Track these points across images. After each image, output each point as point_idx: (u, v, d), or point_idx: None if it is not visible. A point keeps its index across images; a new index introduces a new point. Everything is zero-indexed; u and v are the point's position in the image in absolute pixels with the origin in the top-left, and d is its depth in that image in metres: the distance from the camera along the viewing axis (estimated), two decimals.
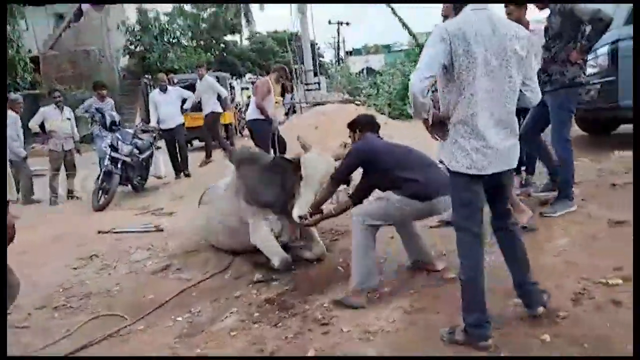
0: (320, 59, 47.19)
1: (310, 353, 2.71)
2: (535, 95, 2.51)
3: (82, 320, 3.51)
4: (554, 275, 3.02)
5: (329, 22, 39.56)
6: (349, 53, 47.51)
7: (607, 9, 3.90)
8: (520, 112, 2.88)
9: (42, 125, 7.94)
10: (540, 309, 2.57)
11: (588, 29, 3.91)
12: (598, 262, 3.13)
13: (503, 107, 2.37)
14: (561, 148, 4.07)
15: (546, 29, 4.14)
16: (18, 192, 7.34)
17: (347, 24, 41.76)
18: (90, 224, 5.95)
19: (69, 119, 8.13)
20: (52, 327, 3.44)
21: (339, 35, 41.66)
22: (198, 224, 4.87)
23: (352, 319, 3.01)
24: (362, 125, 3.58)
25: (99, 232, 5.55)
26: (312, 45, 21.47)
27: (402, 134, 8.82)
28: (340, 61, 38.86)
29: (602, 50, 5.82)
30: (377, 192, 3.47)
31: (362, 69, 32.65)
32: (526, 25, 4.02)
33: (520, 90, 2.44)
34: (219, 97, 9.24)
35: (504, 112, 2.37)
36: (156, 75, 9.17)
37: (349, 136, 3.63)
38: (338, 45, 42.30)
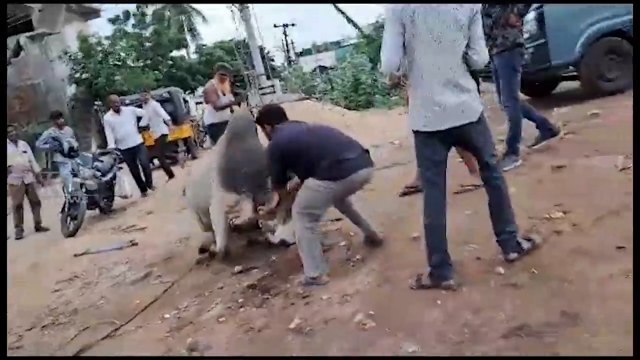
0: (272, 62, 47.36)
1: (295, 322, 2.93)
2: (480, 57, 2.73)
3: (72, 334, 3.63)
4: None
5: (275, 26, 39.81)
6: (300, 54, 47.87)
7: None
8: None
9: None
10: (514, 255, 2.80)
11: None
12: (542, 202, 3.46)
13: (449, 69, 2.63)
14: (510, 105, 4.43)
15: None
16: None
17: (293, 25, 42.12)
18: (64, 250, 5.98)
19: (25, 152, 8.08)
20: (45, 344, 3.54)
21: (286, 37, 41.97)
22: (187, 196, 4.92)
23: (330, 287, 3.25)
24: (269, 118, 3.64)
25: (75, 255, 5.60)
26: (261, 49, 21.64)
27: (359, 122, 9.16)
28: (292, 62, 39.13)
29: (529, 16, 6.24)
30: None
31: (315, 68, 32.98)
32: None
33: (467, 53, 2.69)
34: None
35: (450, 73, 2.64)
36: (108, 98, 9.16)
37: (262, 132, 3.69)
38: (287, 47, 42.59)
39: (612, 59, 6.29)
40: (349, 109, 12.39)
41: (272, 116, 3.65)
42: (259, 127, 3.69)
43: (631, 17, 6.08)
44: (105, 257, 5.38)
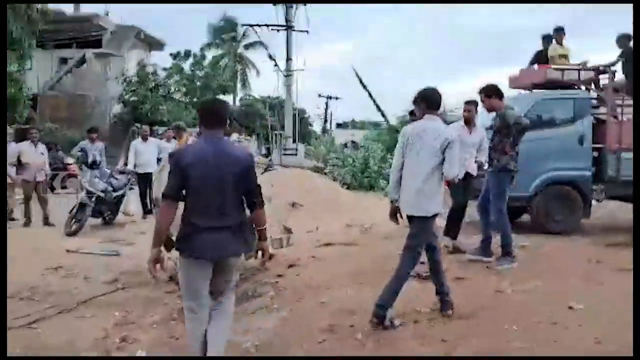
0: (310, 127, 49.54)
1: None
2: (448, 169, 3.81)
3: (44, 307, 4.57)
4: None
5: (319, 96, 42.17)
6: (339, 125, 50.16)
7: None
8: None
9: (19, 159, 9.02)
10: (450, 312, 3.84)
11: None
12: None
13: (418, 175, 3.80)
14: (497, 217, 5.38)
15: (491, 127, 5.58)
16: None
17: (337, 98, 44.56)
18: (60, 244, 7.00)
19: (42, 154, 9.28)
20: (17, 310, 4.49)
21: (327, 107, 44.28)
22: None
23: (243, 321, 4.15)
24: (200, 117, 3.11)
25: (67, 251, 6.61)
26: (294, 115, 23.25)
27: (346, 200, 10.19)
28: (326, 132, 41.09)
29: None
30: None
31: (347, 142, 34.60)
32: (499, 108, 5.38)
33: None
34: None
35: (416, 177, 3.80)
36: (140, 126, 10.50)
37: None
38: (325, 117, 44.81)
39: (562, 203, 7.15)
40: (350, 188, 13.51)
41: (204, 114, 3.11)
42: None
43: (583, 172, 7.10)
44: (90, 258, 6.37)
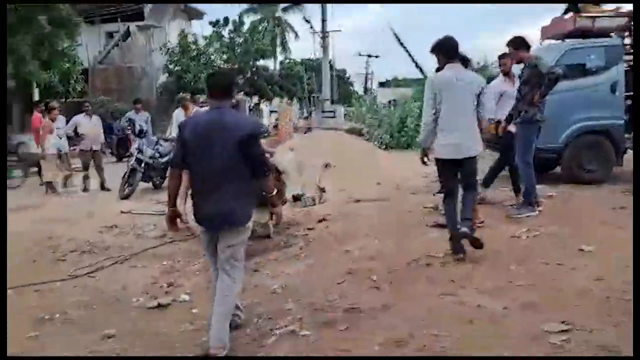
0: (351, 87, 49.22)
1: None
2: (483, 113, 4.27)
3: (101, 259, 5.19)
4: None
5: (359, 54, 41.73)
6: (382, 84, 49.52)
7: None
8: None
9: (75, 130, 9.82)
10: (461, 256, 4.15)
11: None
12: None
13: (460, 117, 4.12)
14: (523, 167, 5.51)
15: (519, 77, 5.68)
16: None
17: (377, 56, 43.98)
18: (115, 206, 7.68)
19: (96, 125, 9.97)
20: (79, 262, 5.12)
21: (367, 66, 43.83)
22: None
23: (272, 267, 4.61)
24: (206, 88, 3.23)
25: (121, 212, 7.26)
26: (332, 76, 23.32)
27: (381, 159, 10.44)
28: (367, 91, 40.80)
29: None
30: None
31: (390, 101, 34.32)
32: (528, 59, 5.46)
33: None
34: None
35: (460, 121, 4.12)
36: (180, 96, 11.01)
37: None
38: (366, 76, 44.41)
39: (593, 153, 7.15)
40: (389, 147, 13.68)
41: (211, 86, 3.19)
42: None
43: (615, 121, 7.04)
44: (141, 217, 6.99)
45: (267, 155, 4.97)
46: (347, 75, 49.46)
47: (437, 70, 4.60)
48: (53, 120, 9.56)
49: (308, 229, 5.83)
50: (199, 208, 3.11)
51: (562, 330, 2.84)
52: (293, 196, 7.19)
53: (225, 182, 2.99)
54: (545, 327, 2.89)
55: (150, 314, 3.91)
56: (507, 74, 6.11)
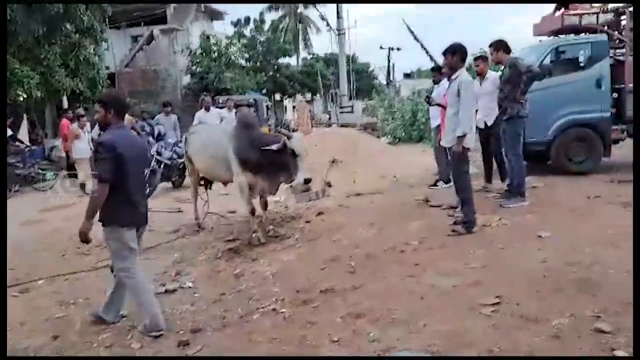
0: (375, 80, 49.35)
1: (237, 271, 4.91)
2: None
3: None
4: None
5: (380, 47, 41.86)
6: (407, 75, 49.48)
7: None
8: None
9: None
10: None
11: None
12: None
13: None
14: (513, 160, 6.01)
15: (500, 77, 6.19)
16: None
17: (398, 49, 43.94)
18: None
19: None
20: (103, 255, 5.81)
21: (389, 59, 43.86)
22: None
23: (268, 256, 5.20)
24: (114, 107, 3.69)
25: None
26: (350, 71, 23.74)
27: (387, 154, 10.92)
28: (389, 84, 40.95)
29: None
30: None
31: (414, 92, 34.45)
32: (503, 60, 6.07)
33: None
34: None
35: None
36: (203, 98, 11.68)
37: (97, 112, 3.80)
38: (388, 69, 44.46)
39: (581, 145, 7.50)
40: (402, 141, 14.16)
41: (118, 105, 3.74)
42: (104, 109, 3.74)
43: (601, 114, 7.36)
44: (158, 215, 7.68)
45: (285, 138, 5.46)
46: (371, 68, 49.62)
47: (450, 71, 5.18)
48: (82, 127, 10.40)
49: (306, 221, 6.40)
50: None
51: (494, 304, 3.34)
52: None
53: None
54: (481, 301, 3.40)
55: (158, 297, 4.51)
56: (480, 74, 6.56)
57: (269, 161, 5.60)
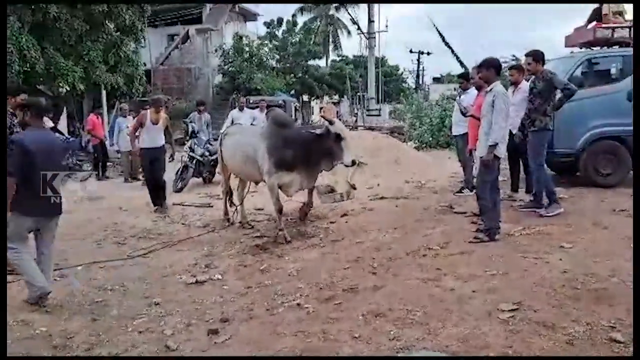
0: (404, 84, 49.25)
1: (263, 266, 5.12)
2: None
3: (154, 243, 6.17)
4: None
5: (410, 51, 41.83)
6: (437, 79, 49.27)
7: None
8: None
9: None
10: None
11: (559, 93, 6.02)
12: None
13: None
14: (537, 171, 6.12)
15: (531, 89, 6.23)
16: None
17: (428, 53, 43.85)
18: (169, 199, 8.70)
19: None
20: (136, 245, 6.12)
21: (419, 63, 43.79)
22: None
23: (294, 255, 5.40)
24: (32, 110, 4.24)
25: (173, 204, 8.28)
26: (379, 74, 23.83)
27: (413, 159, 11.01)
28: (418, 89, 40.85)
29: None
30: None
31: (442, 98, 34.28)
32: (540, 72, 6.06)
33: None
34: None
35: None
36: (237, 95, 12.08)
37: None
38: (418, 73, 44.40)
39: (609, 158, 7.46)
40: (426, 146, 14.15)
41: (36, 107, 4.28)
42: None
43: (630, 128, 7.30)
44: (190, 209, 7.99)
45: (327, 123, 5.67)
46: (401, 71, 49.52)
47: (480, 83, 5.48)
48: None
49: (330, 222, 6.59)
50: None
51: (512, 309, 3.46)
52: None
53: None
54: (499, 307, 3.52)
55: (189, 288, 4.79)
56: (515, 84, 6.61)
57: (309, 153, 5.78)
